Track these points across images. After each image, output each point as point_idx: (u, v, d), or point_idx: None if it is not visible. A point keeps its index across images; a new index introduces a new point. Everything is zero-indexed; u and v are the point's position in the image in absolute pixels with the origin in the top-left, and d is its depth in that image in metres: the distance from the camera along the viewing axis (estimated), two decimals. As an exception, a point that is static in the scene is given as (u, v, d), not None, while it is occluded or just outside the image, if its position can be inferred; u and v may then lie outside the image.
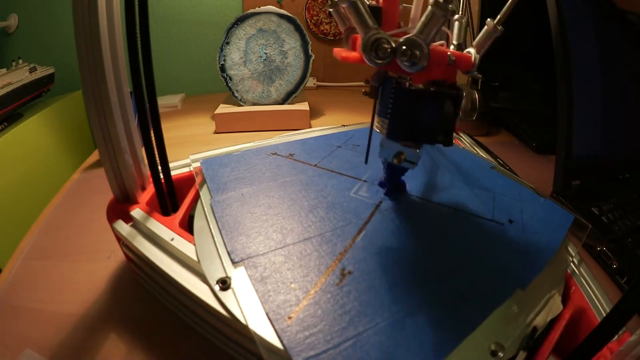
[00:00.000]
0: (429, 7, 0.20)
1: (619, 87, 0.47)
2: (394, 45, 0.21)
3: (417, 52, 0.20)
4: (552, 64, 0.42)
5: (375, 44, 0.21)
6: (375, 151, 0.29)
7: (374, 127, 0.27)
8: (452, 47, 0.28)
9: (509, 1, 0.24)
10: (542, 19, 0.42)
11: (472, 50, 0.26)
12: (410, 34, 0.21)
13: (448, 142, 0.24)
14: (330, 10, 0.27)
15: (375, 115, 0.26)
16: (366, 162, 0.30)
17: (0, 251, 0.53)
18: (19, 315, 0.29)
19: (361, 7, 0.21)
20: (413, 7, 0.26)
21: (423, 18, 0.21)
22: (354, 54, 0.24)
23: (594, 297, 0.26)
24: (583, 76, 0.43)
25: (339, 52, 0.26)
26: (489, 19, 0.25)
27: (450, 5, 0.20)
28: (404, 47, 0.21)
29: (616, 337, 0.22)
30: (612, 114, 0.47)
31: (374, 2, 0.25)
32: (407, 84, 0.24)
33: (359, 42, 0.22)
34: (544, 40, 0.44)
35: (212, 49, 0.91)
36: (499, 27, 0.25)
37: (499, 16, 0.25)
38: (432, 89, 0.23)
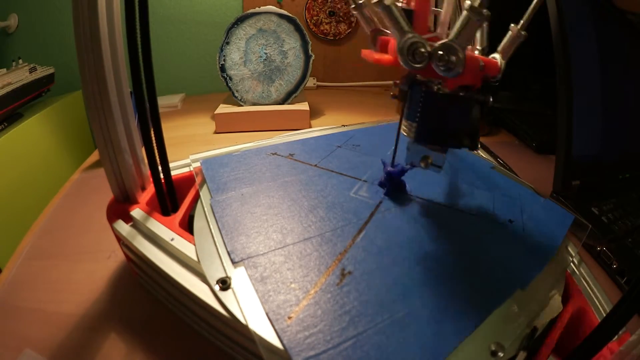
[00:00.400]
0: (465, 12, 0.20)
1: (619, 87, 0.47)
2: (429, 49, 0.21)
3: (454, 58, 0.20)
4: (552, 64, 0.42)
5: (412, 48, 0.21)
6: (376, 151, 0.29)
7: (402, 131, 0.27)
8: (476, 52, 0.28)
9: (531, 6, 0.24)
10: (542, 19, 0.42)
11: (497, 55, 0.26)
12: (446, 39, 0.21)
13: (474, 146, 0.24)
14: (355, 12, 0.27)
15: (403, 119, 0.26)
16: (392, 165, 0.30)
17: (0, 251, 0.53)
18: (19, 315, 0.29)
19: (396, 11, 0.21)
20: (443, 11, 0.26)
21: (458, 23, 0.20)
22: (387, 57, 0.24)
23: (594, 297, 0.26)
24: (583, 76, 0.43)
25: (370, 54, 0.26)
26: (512, 25, 0.25)
27: (485, 11, 0.19)
28: (441, 52, 0.21)
29: (616, 337, 0.22)
30: (612, 114, 0.47)
31: (404, 4, 0.25)
32: (436, 88, 0.24)
33: (392, 45, 0.22)
34: (544, 40, 0.44)
35: (212, 49, 0.91)
36: (523, 32, 0.25)
37: (522, 21, 0.25)
38: (461, 93, 0.23)
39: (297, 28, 0.66)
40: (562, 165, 0.43)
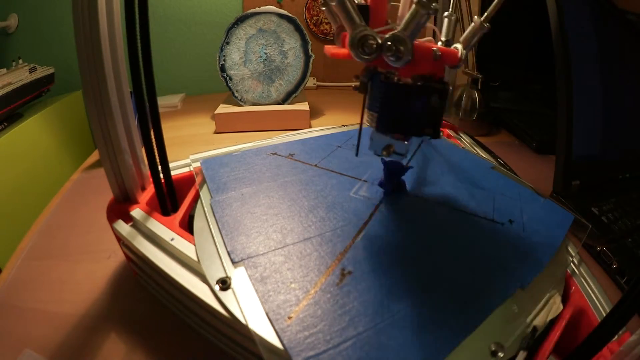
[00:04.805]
0: (414, 6, 0.21)
1: (619, 87, 0.47)
2: (379, 41, 0.22)
3: (402, 47, 0.21)
4: (552, 64, 0.42)
5: (361, 40, 0.22)
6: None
7: (364, 121, 0.28)
8: (439, 43, 0.28)
9: (495, 1, 0.25)
10: (542, 19, 0.42)
11: (459, 45, 0.27)
12: (395, 31, 0.21)
13: (436, 135, 0.25)
14: (323, 8, 0.27)
15: (365, 110, 0.27)
16: (357, 154, 0.30)
17: (0, 251, 0.53)
18: (19, 315, 0.29)
19: (348, 5, 0.22)
20: (401, 5, 0.27)
21: (407, 15, 0.21)
22: (343, 50, 0.25)
23: (594, 297, 0.26)
24: (583, 76, 0.43)
25: (329, 49, 0.27)
26: (475, 17, 0.26)
27: (434, 4, 0.20)
28: (389, 43, 0.21)
29: (616, 337, 0.22)
30: (612, 114, 0.47)
31: (362, 1, 0.26)
32: (396, 78, 0.24)
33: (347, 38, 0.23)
34: (544, 40, 0.44)
35: (212, 49, 0.91)
36: (486, 25, 0.26)
37: (485, 13, 0.26)
38: (419, 83, 0.24)
39: (297, 28, 0.66)
40: (562, 165, 0.43)
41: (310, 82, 0.92)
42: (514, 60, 0.76)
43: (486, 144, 0.50)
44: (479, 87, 0.65)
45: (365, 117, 0.27)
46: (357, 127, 0.47)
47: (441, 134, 0.26)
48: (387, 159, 0.31)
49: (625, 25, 0.48)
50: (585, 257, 0.36)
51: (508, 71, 0.77)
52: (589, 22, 0.45)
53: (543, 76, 0.74)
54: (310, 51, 0.67)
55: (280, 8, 0.68)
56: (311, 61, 0.67)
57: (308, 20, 0.89)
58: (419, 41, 0.22)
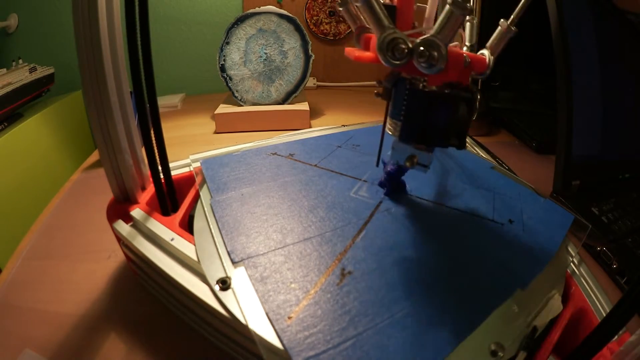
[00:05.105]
0: (447, 7, 0.19)
1: (619, 87, 0.47)
2: (410, 45, 0.20)
3: (435, 54, 0.20)
4: (552, 64, 0.42)
5: (391, 44, 0.20)
6: (376, 151, 0.29)
7: (386, 129, 0.26)
8: (464, 48, 0.27)
9: (522, 1, 0.24)
10: (542, 19, 0.42)
11: (486, 52, 0.25)
12: (428, 35, 0.20)
13: (461, 146, 0.23)
14: (340, 9, 0.26)
15: (388, 117, 0.26)
16: (377, 164, 0.29)
17: (0, 251, 0.53)
18: (19, 315, 0.29)
19: (376, 5, 0.21)
20: (428, 6, 0.25)
21: (441, 18, 0.20)
22: (368, 54, 0.24)
23: (594, 297, 0.26)
24: (583, 76, 0.43)
25: (352, 51, 0.25)
26: (502, 20, 0.25)
27: (468, 5, 0.19)
28: (422, 48, 0.20)
29: (616, 337, 0.22)
30: (612, 113, 0.47)
31: (388, 1, 0.24)
32: (421, 85, 0.23)
33: (374, 41, 0.22)
34: (544, 40, 0.44)
35: (212, 49, 0.91)
36: (513, 28, 0.24)
37: (512, 17, 0.24)
38: (446, 91, 0.22)
39: (297, 28, 0.66)
40: (562, 165, 0.43)
41: (310, 82, 0.92)
42: (514, 60, 0.76)
43: (486, 144, 0.50)
44: (479, 87, 0.65)
45: (387, 125, 0.26)
46: (358, 127, 0.47)
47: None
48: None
49: (625, 25, 0.48)
50: (585, 257, 0.36)
51: (508, 71, 0.77)
52: (589, 22, 0.45)
53: (543, 76, 0.74)
54: (310, 51, 0.67)
55: (280, 8, 0.68)
56: (311, 61, 0.67)
57: (308, 20, 0.89)
58: (449, 47, 0.20)
